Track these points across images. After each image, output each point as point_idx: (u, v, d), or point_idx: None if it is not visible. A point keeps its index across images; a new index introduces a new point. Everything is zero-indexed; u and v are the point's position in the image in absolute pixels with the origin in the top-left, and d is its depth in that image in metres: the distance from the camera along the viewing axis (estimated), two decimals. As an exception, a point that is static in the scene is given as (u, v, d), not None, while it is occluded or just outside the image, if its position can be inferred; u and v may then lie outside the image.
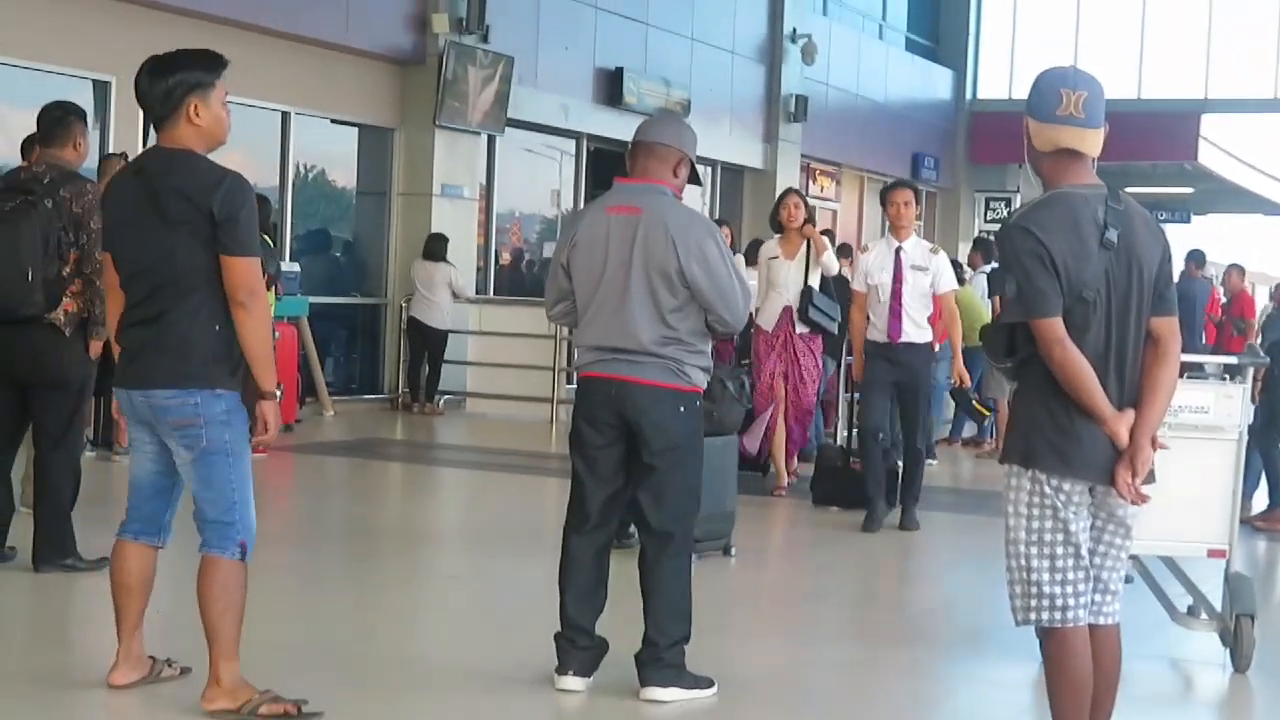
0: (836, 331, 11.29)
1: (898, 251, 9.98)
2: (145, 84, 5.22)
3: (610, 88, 20.01)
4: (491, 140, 18.37)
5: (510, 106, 17.76)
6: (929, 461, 13.75)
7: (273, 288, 11.58)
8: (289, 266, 14.94)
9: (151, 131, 5.38)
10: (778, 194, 11.79)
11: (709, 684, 5.81)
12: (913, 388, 10.00)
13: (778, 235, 11.21)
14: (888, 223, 10.18)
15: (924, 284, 9.99)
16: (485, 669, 6.17)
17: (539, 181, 20.69)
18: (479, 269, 18.33)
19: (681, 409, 5.69)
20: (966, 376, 10.77)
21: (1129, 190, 4.68)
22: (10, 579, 7.26)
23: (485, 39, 17.29)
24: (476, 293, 17.74)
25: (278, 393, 5.27)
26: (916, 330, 9.95)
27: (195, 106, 5.19)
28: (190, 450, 5.17)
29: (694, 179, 5.89)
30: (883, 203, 10.20)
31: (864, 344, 10.06)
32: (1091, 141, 4.46)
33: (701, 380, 5.77)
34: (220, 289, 5.11)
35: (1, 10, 12.79)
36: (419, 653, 6.55)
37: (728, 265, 5.68)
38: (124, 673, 5.44)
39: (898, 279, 9.92)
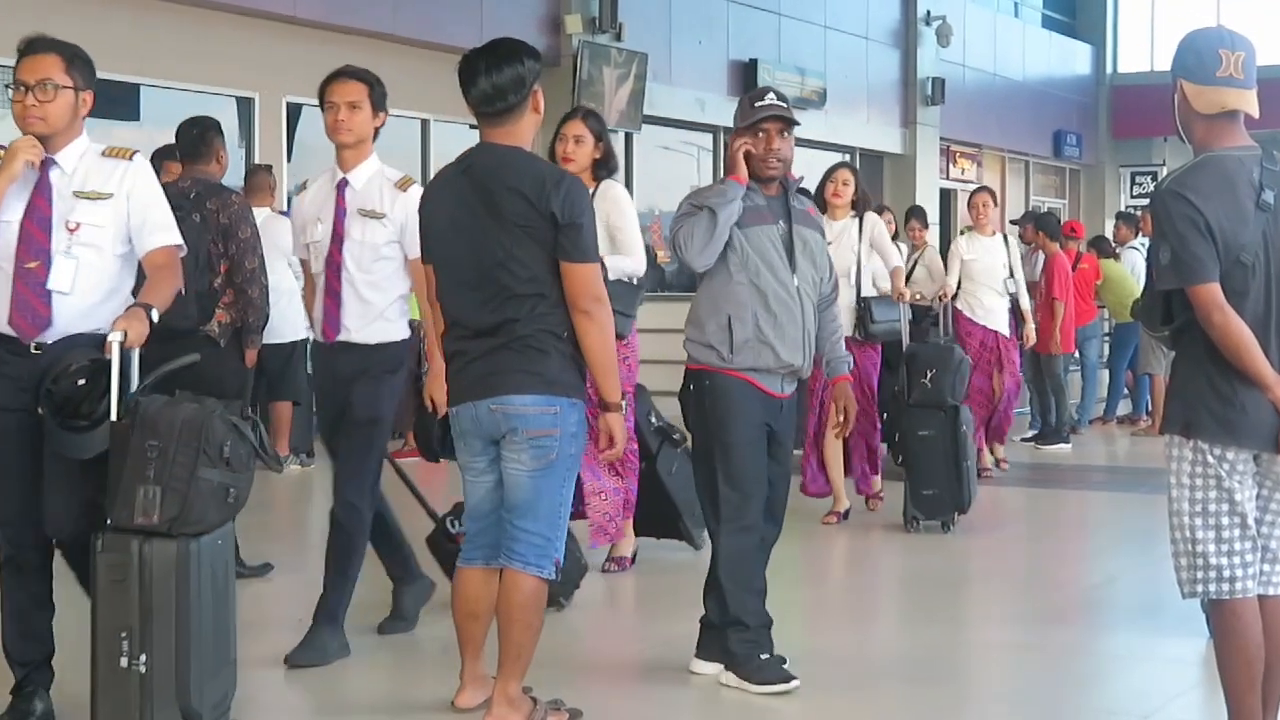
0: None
1: None
2: (491, 76, 4.93)
3: (745, 80, 19.96)
4: (629, 138, 18.41)
5: (646, 103, 17.80)
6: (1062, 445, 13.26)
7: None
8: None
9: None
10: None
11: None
12: None
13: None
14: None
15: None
16: (629, 657, 6.21)
17: (678, 177, 20.70)
18: (620, 267, 18.37)
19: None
20: None
21: (1278, 158, 4.57)
22: (177, 587, 7.40)
23: (619, 37, 17.35)
24: (618, 290, 17.78)
25: (624, 405, 5.01)
26: None
27: (539, 94, 5.00)
28: (539, 460, 4.82)
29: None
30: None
31: None
32: (1253, 102, 4.38)
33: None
34: (558, 296, 4.81)
35: (149, 35, 13.06)
36: (560, 642, 6.59)
37: None
38: (471, 695, 5.22)
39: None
